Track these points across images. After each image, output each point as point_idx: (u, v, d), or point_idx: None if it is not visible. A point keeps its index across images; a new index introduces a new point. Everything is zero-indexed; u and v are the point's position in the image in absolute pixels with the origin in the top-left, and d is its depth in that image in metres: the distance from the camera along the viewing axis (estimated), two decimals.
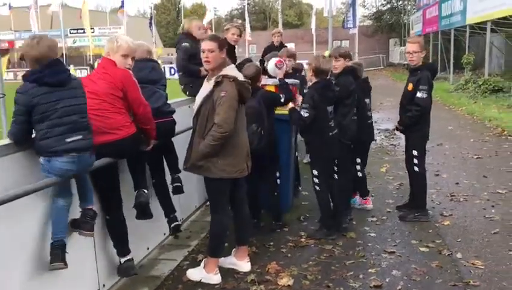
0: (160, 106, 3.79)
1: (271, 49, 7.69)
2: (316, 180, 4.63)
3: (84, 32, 42.77)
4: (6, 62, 39.99)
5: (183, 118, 4.38)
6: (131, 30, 44.25)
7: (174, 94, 5.52)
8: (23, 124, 2.79)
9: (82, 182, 3.13)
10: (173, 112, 4.03)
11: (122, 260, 3.55)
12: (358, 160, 5.37)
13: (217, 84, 3.49)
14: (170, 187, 4.27)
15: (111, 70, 3.33)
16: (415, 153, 5.03)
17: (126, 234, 3.55)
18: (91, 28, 42.40)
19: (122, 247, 3.54)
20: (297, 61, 6.84)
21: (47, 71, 2.79)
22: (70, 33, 45.89)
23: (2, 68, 7.46)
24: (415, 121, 4.90)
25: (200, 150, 3.55)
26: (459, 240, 4.48)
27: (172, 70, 23.37)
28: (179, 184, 4.24)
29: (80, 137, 2.86)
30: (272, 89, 5.19)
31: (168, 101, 4.11)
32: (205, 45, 3.57)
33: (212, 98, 3.50)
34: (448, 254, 4.17)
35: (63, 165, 2.80)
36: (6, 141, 2.86)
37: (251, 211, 4.78)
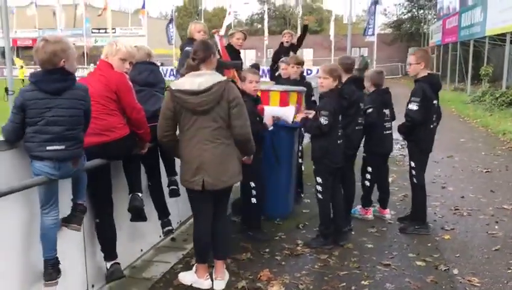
0: (156, 110, 3.81)
1: (281, 52, 7.71)
2: (319, 188, 4.59)
3: (106, 32, 43.32)
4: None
5: None
6: (152, 31, 44.81)
7: None
8: (16, 123, 2.82)
9: (77, 178, 3.16)
10: None
11: (109, 264, 3.53)
12: (370, 169, 5.36)
13: None
14: (167, 190, 4.28)
15: (107, 72, 3.36)
16: (412, 164, 4.99)
17: (114, 239, 3.55)
18: (113, 29, 42.99)
19: (110, 251, 3.53)
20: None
21: (44, 77, 2.81)
22: (92, 32, 46.54)
23: (13, 67, 7.58)
24: (406, 131, 4.90)
25: None
26: (457, 255, 4.40)
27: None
28: (175, 187, 4.25)
29: (61, 147, 2.83)
30: (277, 96, 5.19)
31: None
32: None
33: None
34: (445, 269, 4.09)
35: (43, 168, 2.82)
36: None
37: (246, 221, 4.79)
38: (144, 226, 4.11)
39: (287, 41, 8.08)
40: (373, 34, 26.84)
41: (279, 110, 5.02)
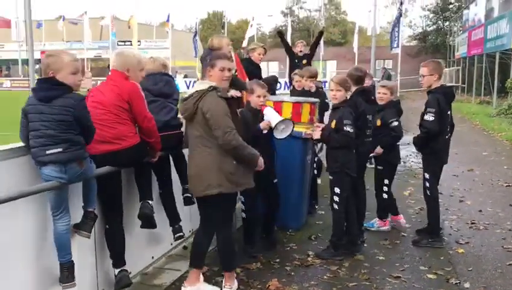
0: (168, 120, 3.90)
1: (294, 66, 7.77)
2: (337, 198, 4.58)
3: (131, 44, 44.18)
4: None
5: None
6: (177, 43, 45.49)
7: None
8: (23, 127, 3.04)
9: (87, 185, 3.27)
10: (181, 125, 4.13)
11: (117, 271, 3.60)
12: (387, 181, 5.33)
13: None
14: (179, 198, 4.35)
15: (120, 82, 3.47)
16: (427, 176, 4.98)
17: (123, 246, 3.62)
18: (138, 41, 43.83)
19: (118, 258, 3.60)
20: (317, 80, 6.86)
21: (38, 86, 3.05)
22: (118, 44, 47.50)
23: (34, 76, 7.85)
24: (421, 143, 4.92)
25: None
26: (470, 269, 4.34)
27: None
28: (189, 195, 4.30)
29: (59, 150, 2.95)
30: (290, 107, 5.22)
31: None
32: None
33: None
34: (456, 283, 4.04)
35: (51, 173, 2.94)
36: (17, 144, 3.08)
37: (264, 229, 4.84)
38: (156, 233, 4.19)
39: (300, 51, 8.14)
40: (397, 47, 26.73)
41: (270, 115, 4.67)
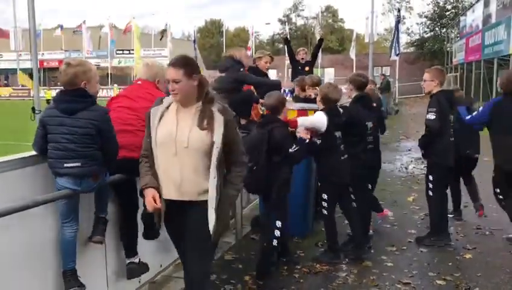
0: None
1: (296, 70, 7.81)
2: (324, 204, 4.66)
3: (129, 53, 44.34)
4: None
5: None
6: (175, 51, 45.56)
7: None
8: (39, 137, 3.02)
9: (100, 193, 3.27)
10: None
11: (128, 261, 3.67)
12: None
13: None
14: None
15: (154, 92, 3.55)
16: (430, 178, 5.09)
17: (136, 237, 3.68)
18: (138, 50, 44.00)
19: (132, 249, 3.67)
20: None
21: (62, 97, 3.00)
22: (116, 53, 47.65)
23: (38, 85, 7.88)
24: (423, 142, 5.07)
25: None
26: (479, 274, 4.34)
27: None
28: None
29: (78, 164, 2.94)
30: (294, 114, 5.24)
31: None
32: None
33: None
34: (466, 289, 4.04)
35: (65, 184, 2.95)
36: (30, 153, 3.09)
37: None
38: (164, 242, 4.17)
39: (302, 58, 8.18)
40: (398, 54, 26.89)
41: (312, 118, 4.71)
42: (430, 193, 5.08)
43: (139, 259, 3.70)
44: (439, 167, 5.02)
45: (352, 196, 4.84)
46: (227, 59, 5.57)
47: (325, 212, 4.66)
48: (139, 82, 3.63)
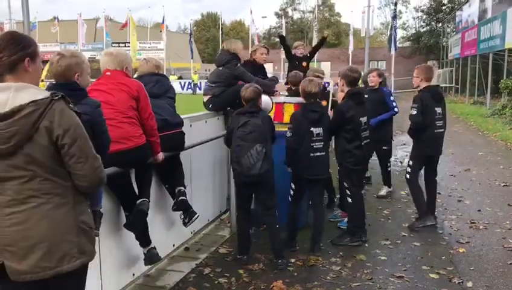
0: (167, 118, 3.89)
1: (293, 64, 7.78)
2: (291, 192, 4.84)
3: (125, 45, 44.11)
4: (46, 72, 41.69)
5: (197, 131, 4.53)
6: (171, 45, 45.46)
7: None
8: None
9: None
10: (181, 123, 4.11)
11: (145, 250, 3.76)
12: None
13: None
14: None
15: (127, 81, 3.49)
16: (410, 163, 5.59)
17: (146, 226, 3.73)
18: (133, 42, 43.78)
19: (144, 239, 3.76)
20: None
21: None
22: (112, 46, 47.42)
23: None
24: (410, 133, 5.57)
25: None
26: (472, 268, 4.36)
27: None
28: (184, 198, 4.24)
29: None
30: (291, 108, 5.23)
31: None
32: None
33: None
34: (459, 282, 4.06)
35: None
36: None
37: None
38: (157, 235, 4.17)
39: (300, 53, 8.14)
40: (395, 50, 26.95)
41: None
42: (408, 176, 5.55)
43: (155, 247, 3.83)
44: (419, 154, 5.48)
45: (347, 191, 4.89)
46: (224, 53, 5.54)
47: (290, 199, 4.84)
48: (108, 73, 3.52)
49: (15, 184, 2.01)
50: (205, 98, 5.58)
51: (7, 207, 2.02)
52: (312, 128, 4.59)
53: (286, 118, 5.20)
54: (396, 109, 6.71)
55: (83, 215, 2.17)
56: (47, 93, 2.02)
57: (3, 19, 43.96)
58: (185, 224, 4.28)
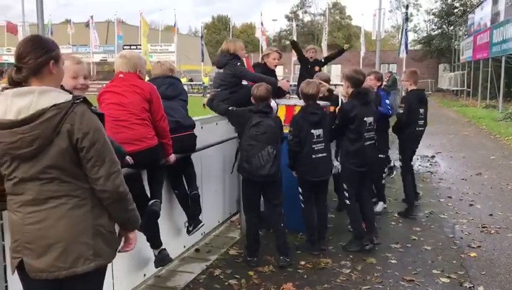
0: (179, 120, 3.92)
1: (305, 69, 7.78)
2: (301, 197, 4.86)
3: (136, 48, 44.43)
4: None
5: (208, 133, 4.60)
6: (181, 47, 45.66)
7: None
8: None
9: None
10: (192, 125, 4.15)
11: (156, 252, 3.78)
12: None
13: None
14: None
15: (140, 83, 3.53)
16: (400, 157, 6.37)
17: (157, 228, 3.76)
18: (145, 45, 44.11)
19: (155, 240, 3.77)
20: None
21: None
22: (123, 48, 47.75)
23: None
24: (394, 131, 6.31)
25: None
26: (483, 273, 4.33)
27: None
28: (196, 192, 4.28)
29: None
30: (283, 109, 5.25)
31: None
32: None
33: None
34: (470, 287, 4.04)
35: None
36: None
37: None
38: (169, 237, 4.21)
39: (311, 57, 8.14)
40: (407, 53, 26.83)
41: None
42: (400, 170, 6.34)
43: (165, 248, 3.85)
44: (405, 148, 6.26)
45: (346, 193, 4.93)
46: (224, 54, 5.55)
47: (302, 205, 4.84)
48: (121, 75, 3.56)
49: (36, 185, 2.06)
50: (205, 100, 5.64)
51: (28, 206, 2.08)
52: (312, 130, 4.64)
53: None
54: (390, 112, 6.68)
55: (101, 218, 2.17)
56: (69, 97, 2.06)
57: (17, 22, 44.50)
58: (189, 232, 4.34)
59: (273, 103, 4.94)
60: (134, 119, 3.41)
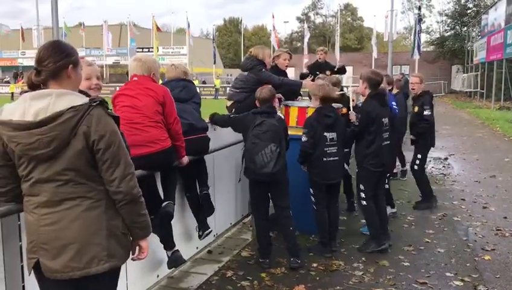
0: (192, 122, 3.95)
1: (315, 67, 7.78)
2: (313, 199, 4.85)
3: (148, 50, 44.71)
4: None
5: (220, 135, 4.63)
6: (194, 50, 45.86)
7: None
8: None
9: None
10: (206, 128, 4.19)
11: (169, 253, 3.82)
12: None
13: None
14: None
15: (154, 86, 3.57)
16: (418, 156, 6.47)
17: (171, 229, 3.81)
18: (156, 48, 44.43)
19: (168, 241, 3.81)
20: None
21: None
22: (136, 51, 48.08)
23: None
24: (423, 132, 6.36)
25: None
26: (498, 276, 4.30)
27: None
28: (207, 192, 4.34)
29: None
30: (295, 111, 5.26)
31: None
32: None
33: None
34: None
35: None
36: None
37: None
38: (182, 237, 4.24)
39: (319, 58, 8.15)
40: (419, 54, 26.67)
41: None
42: (415, 167, 6.49)
43: (178, 250, 3.88)
44: (425, 149, 6.48)
45: (362, 194, 4.92)
46: (251, 58, 5.56)
47: (314, 207, 4.85)
48: (135, 78, 3.61)
49: (51, 186, 2.10)
50: (228, 103, 5.64)
51: (44, 207, 2.12)
52: (326, 133, 4.65)
53: None
54: (396, 111, 6.70)
55: (115, 219, 2.19)
56: (86, 99, 2.10)
57: (31, 25, 45.08)
58: (200, 237, 4.39)
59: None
60: (147, 122, 3.45)
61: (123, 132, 2.32)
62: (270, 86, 4.69)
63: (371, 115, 4.78)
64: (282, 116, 4.87)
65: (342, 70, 8.60)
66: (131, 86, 3.58)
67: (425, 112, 6.24)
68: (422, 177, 6.56)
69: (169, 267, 3.97)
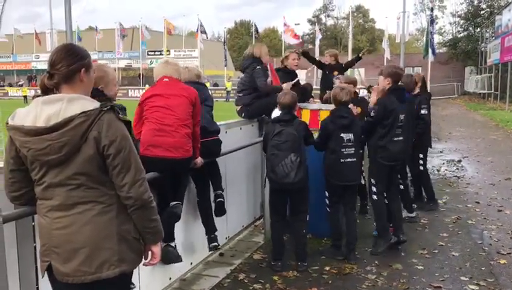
0: (205, 125, 3.96)
1: (324, 74, 7.77)
2: (327, 201, 4.86)
3: (160, 54, 44.99)
4: None
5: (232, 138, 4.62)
6: (205, 52, 46.04)
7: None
8: None
9: None
10: (218, 131, 4.20)
11: (163, 244, 3.72)
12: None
13: None
14: (213, 205, 4.38)
15: (186, 87, 3.66)
16: (420, 155, 6.41)
17: (173, 226, 3.79)
18: (167, 51, 44.69)
19: (168, 233, 3.72)
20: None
21: None
22: (148, 54, 48.44)
23: None
24: (423, 132, 6.28)
25: None
26: None
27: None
28: (221, 199, 4.34)
29: None
30: (327, 114, 5.22)
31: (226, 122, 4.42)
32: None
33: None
34: None
35: None
36: None
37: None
38: (194, 239, 4.24)
39: (325, 61, 8.14)
40: (434, 55, 26.49)
41: None
42: (421, 168, 6.47)
43: (175, 245, 3.83)
44: (425, 148, 6.51)
45: (373, 188, 4.91)
46: (247, 57, 5.58)
47: (328, 209, 4.85)
48: (166, 79, 3.64)
49: (63, 191, 2.10)
50: (238, 108, 5.66)
51: (56, 211, 2.12)
52: (342, 134, 4.61)
53: None
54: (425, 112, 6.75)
55: (126, 224, 2.18)
56: (97, 104, 2.08)
57: (44, 29, 45.59)
58: (209, 248, 4.36)
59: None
60: (177, 126, 3.47)
61: (135, 136, 2.31)
62: (293, 92, 4.67)
63: (387, 109, 4.76)
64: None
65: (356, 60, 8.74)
66: (163, 87, 3.62)
67: (422, 111, 6.28)
68: (428, 178, 6.63)
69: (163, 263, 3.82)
